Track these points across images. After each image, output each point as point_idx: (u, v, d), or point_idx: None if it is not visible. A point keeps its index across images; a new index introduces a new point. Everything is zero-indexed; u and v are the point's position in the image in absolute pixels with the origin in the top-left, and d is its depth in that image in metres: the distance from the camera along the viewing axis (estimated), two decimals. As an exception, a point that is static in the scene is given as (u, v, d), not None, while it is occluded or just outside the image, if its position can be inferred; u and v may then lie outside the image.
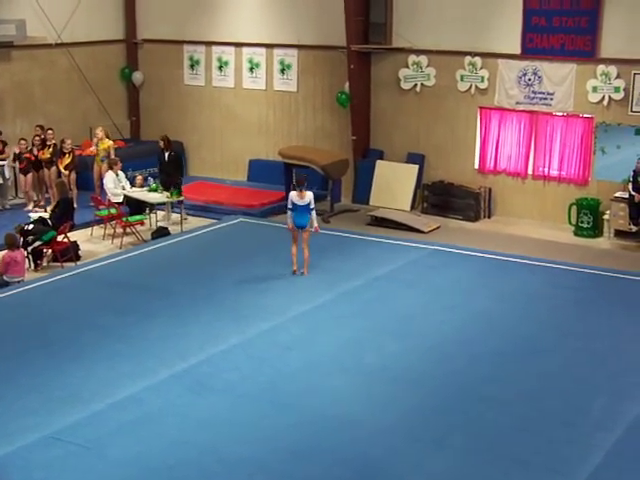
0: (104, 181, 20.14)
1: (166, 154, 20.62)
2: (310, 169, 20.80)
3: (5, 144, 21.17)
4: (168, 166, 20.57)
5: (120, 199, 19.79)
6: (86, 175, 21.46)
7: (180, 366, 12.37)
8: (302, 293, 15.42)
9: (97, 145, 21.21)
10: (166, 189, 19.98)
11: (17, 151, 20.96)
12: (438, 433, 10.68)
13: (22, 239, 16.91)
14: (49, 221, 17.73)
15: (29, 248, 17.20)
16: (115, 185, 19.94)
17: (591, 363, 12.70)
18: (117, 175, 20.10)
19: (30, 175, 21.00)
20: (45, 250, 17.61)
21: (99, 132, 21.34)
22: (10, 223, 18.89)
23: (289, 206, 16.03)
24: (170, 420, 10.92)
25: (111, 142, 21.43)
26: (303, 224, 16.05)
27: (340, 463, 9.95)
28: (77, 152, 21.60)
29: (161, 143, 20.70)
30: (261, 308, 14.68)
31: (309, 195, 15.97)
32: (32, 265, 17.31)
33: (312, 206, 15.99)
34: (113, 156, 21.11)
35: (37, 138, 21.18)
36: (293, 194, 16.04)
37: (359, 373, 12.28)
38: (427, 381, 12.08)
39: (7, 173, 21.13)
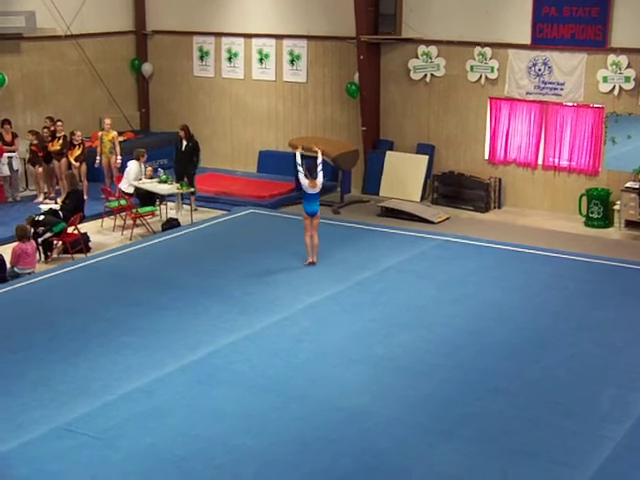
0: (127, 170, 20.03)
1: (184, 144, 20.62)
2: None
3: (15, 135, 21.20)
4: (183, 156, 20.58)
5: (132, 190, 19.78)
6: (92, 166, 21.38)
7: (189, 358, 12.40)
8: (311, 284, 15.42)
9: (102, 138, 21.16)
10: (179, 179, 20.00)
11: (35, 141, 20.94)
12: (446, 424, 10.69)
13: (33, 230, 16.95)
14: (60, 213, 17.76)
15: (39, 239, 17.25)
16: (136, 176, 19.92)
17: (601, 354, 12.67)
18: (140, 167, 20.08)
19: (40, 167, 21.04)
20: (55, 242, 17.65)
21: (108, 121, 21.33)
22: (21, 215, 18.96)
23: (299, 168, 16.12)
24: (179, 412, 10.95)
25: (115, 133, 21.42)
26: (315, 211, 16.13)
27: (347, 454, 9.97)
28: (87, 144, 21.61)
29: (181, 133, 20.69)
30: (270, 300, 14.69)
31: (320, 182, 16.06)
32: (42, 257, 17.35)
33: (320, 167, 16.21)
34: (118, 147, 21.10)
35: (46, 130, 21.21)
36: (305, 182, 16.07)
37: (368, 364, 12.28)
38: (436, 372, 12.07)
39: (15, 165, 21.15)
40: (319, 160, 16.47)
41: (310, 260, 16.27)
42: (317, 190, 16.08)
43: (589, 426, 10.62)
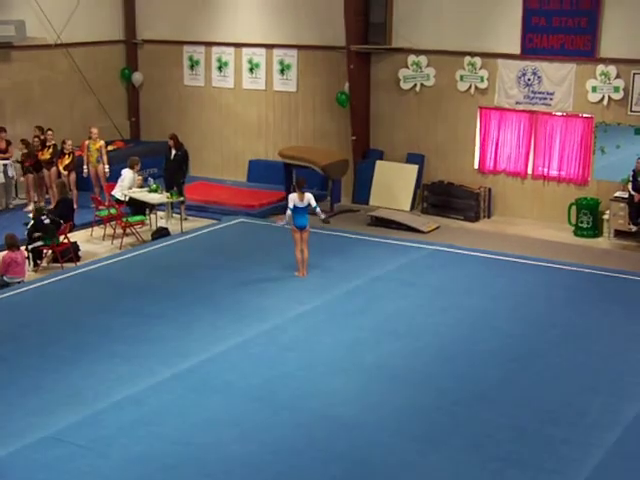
0: (122, 177, 20.01)
1: (173, 153, 20.63)
2: (310, 169, 20.83)
3: (9, 143, 21.18)
4: (173, 165, 20.59)
5: (123, 198, 19.75)
6: (82, 175, 21.34)
7: (180, 366, 12.39)
8: (301, 293, 15.44)
9: (89, 147, 21.14)
10: (169, 188, 20.02)
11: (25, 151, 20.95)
12: (434, 432, 10.70)
13: (35, 221, 17.06)
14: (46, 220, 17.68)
15: (29, 247, 17.24)
16: (130, 184, 19.92)
17: (590, 363, 12.70)
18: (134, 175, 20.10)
19: (30, 175, 21.03)
20: (45, 250, 17.62)
21: (94, 130, 21.29)
22: (10, 224, 18.98)
23: (290, 206, 16.07)
24: (170, 420, 10.94)
25: (102, 142, 21.39)
26: (304, 224, 16.10)
27: (337, 462, 9.98)
28: (77, 153, 21.59)
29: (170, 142, 20.70)
30: (261, 308, 14.70)
31: (308, 196, 16.07)
32: (32, 265, 17.31)
33: (314, 204, 16.09)
34: (105, 156, 21.08)
35: (36, 139, 21.19)
36: (294, 196, 16.09)
37: (358, 373, 12.30)
38: (424, 381, 12.09)
39: (10, 172, 21.15)
40: (313, 204, 16.12)
41: (300, 274, 16.24)
42: (305, 204, 16.08)
43: (578, 434, 10.64)
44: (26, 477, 9.68)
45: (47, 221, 17.36)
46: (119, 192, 19.78)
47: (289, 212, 16.09)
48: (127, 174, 19.99)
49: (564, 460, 10.04)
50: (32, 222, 17.43)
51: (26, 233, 17.38)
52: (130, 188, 19.89)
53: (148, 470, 9.82)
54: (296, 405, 11.36)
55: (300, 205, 16.06)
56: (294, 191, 16.25)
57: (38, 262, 17.48)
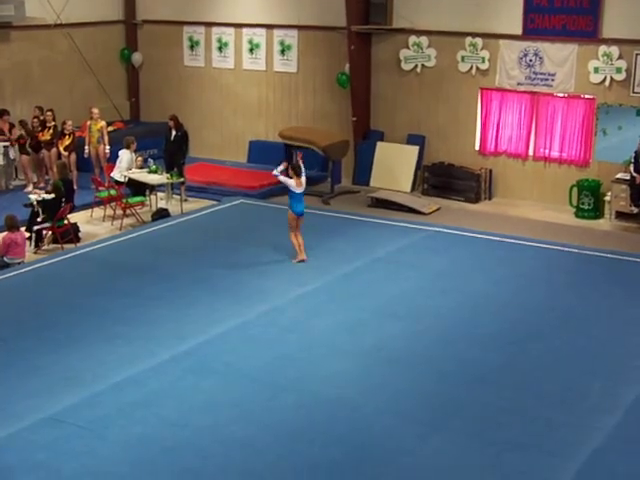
0: (120, 158, 19.97)
1: (173, 133, 20.58)
2: (310, 150, 20.75)
3: (13, 126, 21.11)
4: (173, 146, 20.55)
5: (123, 179, 19.71)
6: (82, 156, 21.29)
7: (179, 348, 12.38)
8: (301, 275, 15.41)
9: (90, 127, 21.11)
10: (169, 169, 19.97)
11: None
12: (434, 415, 10.69)
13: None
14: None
15: (34, 227, 17.23)
16: (129, 165, 19.89)
17: (590, 346, 12.68)
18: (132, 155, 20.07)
19: (28, 157, 20.98)
20: (45, 232, 17.59)
21: (95, 110, 21.24)
22: (10, 204, 18.91)
23: (278, 170, 15.95)
24: (169, 402, 10.94)
25: (104, 122, 21.37)
26: (303, 211, 16.05)
27: (336, 444, 9.97)
28: (77, 134, 21.54)
29: (170, 122, 20.66)
30: (260, 290, 14.67)
31: (304, 181, 16.01)
32: (33, 246, 17.29)
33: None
34: (106, 136, 21.05)
35: (35, 119, 21.13)
36: (292, 182, 15.89)
37: (357, 355, 12.28)
38: (425, 363, 12.08)
39: (12, 154, 21.11)
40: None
41: (301, 258, 16.16)
42: (303, 189, 16.01)
43: (578, 417, 10.64)
44: (25, 458, 9.69)
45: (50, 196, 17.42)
46: (118, 173, 19.74)
47: (278, 173, 15.97)
48: (124, 155, 19.95)
49: (564, 443, 10.03)
50: (40, 200, 17.41)
51: (30, 214, 17.37)
52: (130, 169, 19.85)
53: (147, 451, 9.82)
54: (296, 387, 11.34)
55: (298, 191, 15.96)
56: (289, 176, 16.02)
57: (39, 244, 17.44)
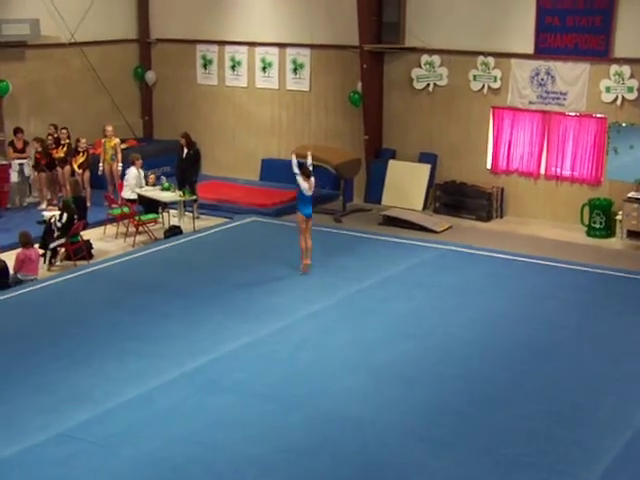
0: (126, 177, 20.13)
1: (185, 151, 20.69)
2: (323, 168, 20.81)
3: (27, 143, 21.28)
4: (185, 163, 20.65)
5: (135, 197, 19.84)
6: (95, 173, 21.42)
7: (190, 365, 12.42)
8: (313, 293, 15.45)
9: (104, 145, 21.27)
10: (181, 187, 20.07)
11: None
12: (443, 433, 10.70)
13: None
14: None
15: (51, 245, 17.31)
16: (137, 182, 20.01)
17: (601, 364, 12.67)
18: (139, 172, 20.18)
19: (44, 174, 21.11)
20: (59, 249, 17.68)
21: (109, 128, 21.40)
22: (24, 222, 19.06)
23: (295, 170, 16.31)
24: (180, 419, 10.97)
25: (118, 140, 21.51)
26: (310, 213, 16.38)
27: (347, 463, 9.98)
28: (90, 151, 21.67)
29: (182, 140, 20.77)
30: (272, 308, 14.71)
31: (313, 183, 16.38)
32: (47, 263, 17.36)
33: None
34: (120, 154, 21.19)
35: (50, 137, 21.27)
36: (305, 186, 16.22)
37: (369, 373, 12.30)
38: (434, 381, 12.09)
39: (27, 171, 21.29)
40: (309, 162, 16.58)
41: (305, 262, 16.34)
42: (311, 192, 16.32)
43: (589, 436, 10.62)
44: (37, 474, 9.73)
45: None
46: (128, 191, 19.85)
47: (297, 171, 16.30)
48: (131, 172, 20.07)
49: (575, 462, 10.02)
50: (54, 218, 17.50)
51: (44, 231, 17.47)
52: (141, 187, 19.96)
53: (158, 468, 9.85)
54: (307, 405, 11.36)
55: (307, 194, 16.24)
56: (305, 181, 16.34)
57: (53, 261, 17.52)
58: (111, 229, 19.75)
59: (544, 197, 20.74)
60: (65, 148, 21.05)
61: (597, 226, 19.52)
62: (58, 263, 17.60)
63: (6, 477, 9.63)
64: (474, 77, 21.07)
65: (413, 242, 18.55)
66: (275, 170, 23.70)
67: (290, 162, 16.67)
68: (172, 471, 9.79)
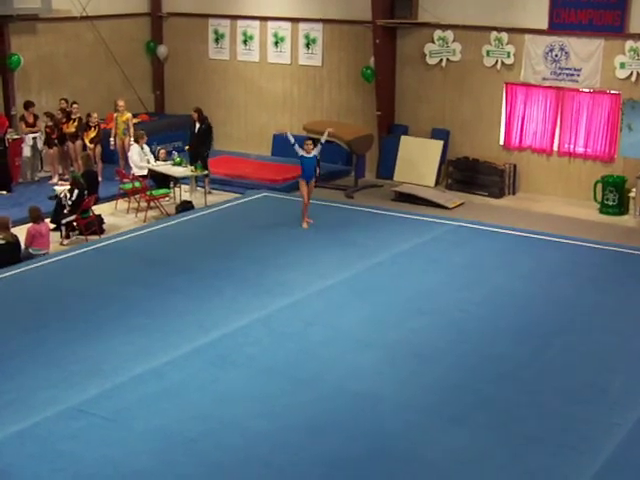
0: (129, 154, 20.23)
1: (197, 126, 20.66)
2: (335, 144, 20.75)
3: (37, 117, 21.26)
4: (197, 139, 20.61)
5: (145, 172, 19.84)
6: (107, 148, 21.42)
7: (201, 340, 12.41)
8: (324, 268, 15.41)
9: (116, 119, 21.25)
10: (193, 162, 20.04)
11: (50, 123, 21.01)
12: (456, 409, 10.67)
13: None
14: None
15: (64, 220, 17.32)
16: (140, 158, 20.03)
17: (612, 342, 12.61)
18: (142, 148, 20.16)
19: (55, 148, 21.10)
20: (74, 223, 17.68)
21: (121, 103, 21.37)
22: (36, 196, 19.11)
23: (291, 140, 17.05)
24: (191, 394, 10.96)
25: (130, 114, 21.48)
26: (310, 175, 17.16)
27: (358, 438, 9.97)
28: (102, 126, 21.65)
29: (194, 115, 20.73)
30: (283, 283, 14.68)
31: (316, 149, 17.04)
32: (63, 237, 17.38)
33: (317, 157, 17.47)
34: (132, 128, 21.17)
35: (61, 111, 21.24)
36: (301, 150, 16.94)
37: (380, 348, 12.27)
38: (447, 357, 12.06)
39: (40, 145, 21.29)
40: (324, 139, 17.27)
41: (307, 220, 17.29)
42: (312, 154, 16.94)
43: (599, 413, 10.58)
44: (48, 448, 9.73)
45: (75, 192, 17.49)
46: (135, 169, 19.84)
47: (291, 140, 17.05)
48: (133, 149, 20.07)
49: (585, 438, 9.99)
50: (65, 195, 17.50)
51: (55, 207, 17.48)
52: (149, 162, 19.96)
53: (168, 443, 9.84)
54: (317, 380, 11.34)
55: (307, 155, 16.91)
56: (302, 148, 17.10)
57: (71, 234, 17.51)
58: (122, 204, 19.75)
59: (557, 174, 20.66)
60: (76, 123, 21.02)
61: (610, 203, 19.44)
62: (74, 238, 17.57)
63: (18, 451, 9.65)
64: (487, 53, 20.95)
65: (425, 218, 18.48)
66: (286, 145, 23.42)
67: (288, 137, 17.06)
68: (183, 445, 9.78)
